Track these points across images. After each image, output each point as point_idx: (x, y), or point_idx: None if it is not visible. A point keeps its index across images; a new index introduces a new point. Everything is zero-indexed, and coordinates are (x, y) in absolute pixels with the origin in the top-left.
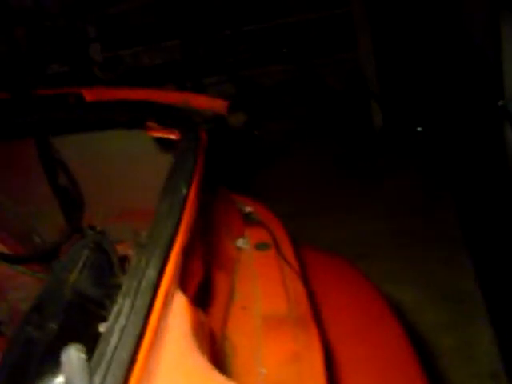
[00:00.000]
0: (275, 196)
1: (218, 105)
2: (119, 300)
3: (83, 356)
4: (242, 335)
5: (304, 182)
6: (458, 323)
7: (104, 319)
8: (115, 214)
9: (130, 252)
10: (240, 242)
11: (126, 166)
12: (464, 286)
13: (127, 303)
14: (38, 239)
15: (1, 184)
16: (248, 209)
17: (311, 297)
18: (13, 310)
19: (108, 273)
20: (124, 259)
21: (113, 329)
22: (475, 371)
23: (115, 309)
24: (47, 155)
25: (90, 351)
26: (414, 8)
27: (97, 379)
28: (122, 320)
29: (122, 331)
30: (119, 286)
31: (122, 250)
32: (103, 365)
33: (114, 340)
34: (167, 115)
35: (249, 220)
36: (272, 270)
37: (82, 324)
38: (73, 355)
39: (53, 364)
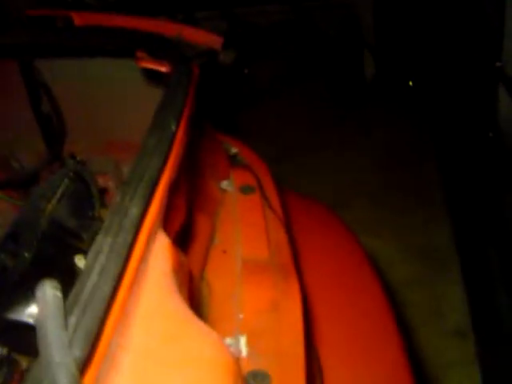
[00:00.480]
0: (260, 138)
1: (212, 40)
2: (100, 237)
3: (59, 294)
4: (221, 279)
5: (291, 125)
6: (430, 279)
7: (80, 251)
8: (98, 144)
9: (111, 184)
10: (224, 184)
11: (113, 97)
12: (440, 244)
13: (108, 241)
14: (17, 165)
15: None
16: (234, 150)
17: (292, 244)
18: None
19: (87, 204)
20: (104, 191)
21: (92, 267)
22: (443, 328)
23: (95, 246)
24: (31, 79)
25: (64, 284)
26: None
27: (72, 319)
28: (101, 258)
29: (101, 269)
30: (97, 218)
31: (102, 182)
32: (80, 304)
33: (92, 279)
34: (159, 46)
35: (234, 162)
36: (255, 215)
37: (57, 254)
38: (48, 293)
39: (26, 293)
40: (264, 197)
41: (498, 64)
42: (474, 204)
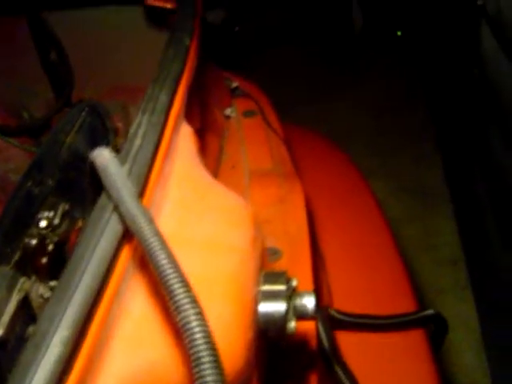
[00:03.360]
0: None
1: None
2: (138, 117)
3: (112, 151)
4: (231, 188)
5: (282, 79)
6: (422, 215)
7: None
8: (105, 90)
9: (120, 125)
10: (228, 111)
11: (118, 44)
12: (431, 182)
13: (146, 118)
14: (27, 114)
15: None
16: (235, 84)
17: (294, 161)
18: (2, 179)
19: (102, 136)
20: (115, 131)
21: (135, 134)
22: (436, 258)
23: (136, 122)
24: (39, 31)
25: (85, 201)
26: None
27: (126, 166)
28: (142, 129)
29: (143, 136)
30: (113, 150)
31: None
32: (129, 159)
33: (137, 142)
34: None
35: (236, 94)
36: (258, 134)
37: (77, 181)
38: (103, 150)
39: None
40: (265, 119)
41: (479, 2)
42: (462, 140)
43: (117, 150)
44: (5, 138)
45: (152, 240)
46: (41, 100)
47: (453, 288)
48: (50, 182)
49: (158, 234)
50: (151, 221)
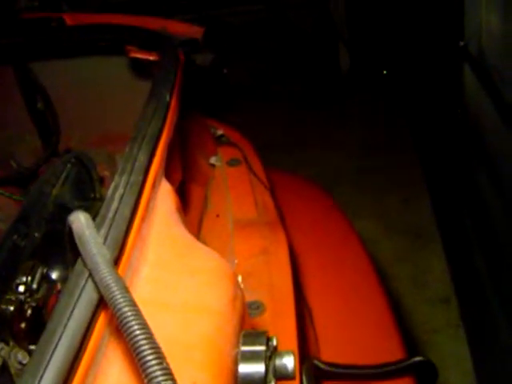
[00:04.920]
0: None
1: (193, 31)
2: (116, 177)
3: (88, 215)
4: (216, 238)
5: (270, 121)
6: (412, 254)
7: None
8: (92, 139)
9: (106, 173)
10: (213, 160)
11: (104, 93)
12: (420, 221)
13: (124, 179)
14: (15, 163)
15: None
16: (220, 132)
17: (278, 209)
18: None
19: (88, 187)
20: (101, 180)
21: (112, 198)
22: (428, 296)
23: (113, 183)
24: (26, 80)
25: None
26: None
27: (102, 231)
28: (119, 191)
29: (120, 199)
30: (98, 199)
31: (98, 171)
32: (106, 223)
33: (114, 205)
34: (146, 38)
35: (221, 141)
36: (243, 183)
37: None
38: (80, 214)
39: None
40: (249, 167)
41: (461, 43)
42: (450, 178)
43: (101, 199)
44: None
45: (124, 310)
46: (28, 148)
47: (445, 327)
48: (37, 235)
49: (131, 303)
50: (124, 289)
